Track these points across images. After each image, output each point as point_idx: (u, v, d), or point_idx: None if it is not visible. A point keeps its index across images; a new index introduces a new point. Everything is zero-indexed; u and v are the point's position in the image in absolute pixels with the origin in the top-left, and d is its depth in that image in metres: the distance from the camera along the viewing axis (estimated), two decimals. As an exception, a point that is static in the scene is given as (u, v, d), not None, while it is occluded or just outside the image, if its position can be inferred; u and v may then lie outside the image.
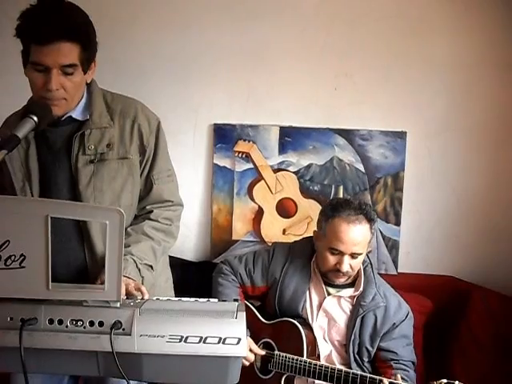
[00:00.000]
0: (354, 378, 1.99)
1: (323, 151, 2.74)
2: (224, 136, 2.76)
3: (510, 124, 2.66)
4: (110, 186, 1.71)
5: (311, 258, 2.26)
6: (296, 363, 2.11)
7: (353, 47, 2.67)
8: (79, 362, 1.31)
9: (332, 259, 2.13)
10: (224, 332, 1.28)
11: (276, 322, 2.25)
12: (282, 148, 2.75)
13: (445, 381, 1.85)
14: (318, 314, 2.22)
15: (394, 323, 2.16)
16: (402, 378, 1.98)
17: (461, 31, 2.63)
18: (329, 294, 2.21)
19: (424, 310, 2.53)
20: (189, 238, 2.83)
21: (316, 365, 2.07)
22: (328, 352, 2.21)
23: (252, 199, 2.79)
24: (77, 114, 1.70)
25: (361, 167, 2.73)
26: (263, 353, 2.21)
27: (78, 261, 1.71)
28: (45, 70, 1.54)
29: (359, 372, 2.01)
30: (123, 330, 1.28)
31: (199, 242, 2.86)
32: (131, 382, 1.31)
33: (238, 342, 1.28)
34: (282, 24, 2.67)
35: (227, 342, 1.28)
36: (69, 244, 1.70)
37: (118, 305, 1.30)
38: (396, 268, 2.77)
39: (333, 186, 2.75)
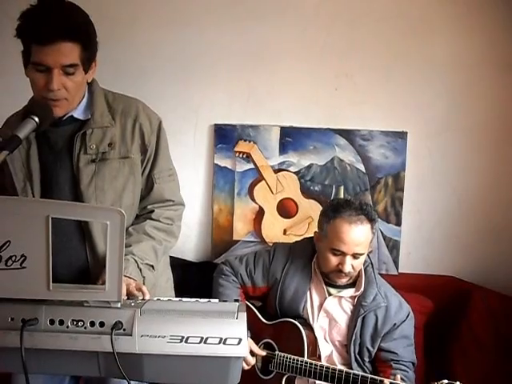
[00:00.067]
0: (354, 379, 1.99)
1: (324, 151, 2.74)
2: (224, 136, 2.76)
3: (510, 124, 2.66)
4: (112, 186, 1.71)
5: (312, 258, 2.26)
6: (297, 364, 2.11)
7: (353, 47, 2.67)
8: (80, 362, 1.31)
9: (334, 260, 2.13)
10: (225, 332, 1.28)
11: (277, 322, 2.25)
12: (283, 148, 2.75)
13: (446, 381, 1.85)
14: (318, 315, 2.22)
15: (395, 323, 2.16)
16: (402, 379, 1.98)
17: (461, 31, 2.63)
18: (330, 294, 2.21)
19: (425, 310, 2.53)
20: (189, 239, 2.83)
21: (317, 365, 2.07)
22: (329, 352, 2.21)
23: (253, 199, 2.79)
24: (78, 113, 1.70)
25: (361, 167, 2.73)
26: (264, 353, 2.21)
27: (80, 261, 1.71)
28: (46, 70, 1.54)
29: (360, 372, 2.01)
30: (124, 330, 1.28)
31: (200, 243, 2.86)
32: (132, 382, 1.30)
33: (238, 343, 1.28)
34: (282, 24, 2.67)
35: (228, 342, 1.27)
36: (70, 244, 1.70)
37: (119, 305, 1.30)
38: (397, 268, 2.77)
39: (333, 187, 2.75)
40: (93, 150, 1.68)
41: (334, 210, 2.14)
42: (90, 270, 1.71)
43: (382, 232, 2.74)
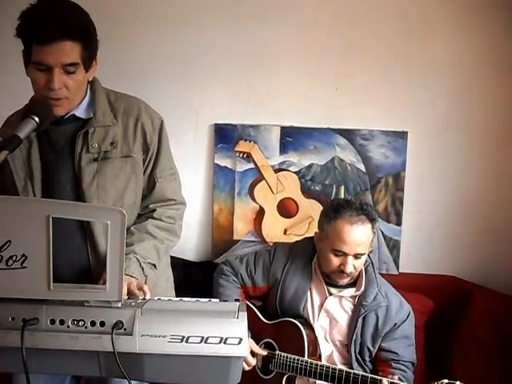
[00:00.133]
0: (355, 378, 1.99)
1: (324, 151, 2.74)
2: (225, 136, 2.76)
3: (510, 124, 2.67)
4: (114, 184, 1.71)
5: (312, 257, 2.26)
6: (297, 363, 2.11)
7: (353, 47, 2.67)
8: (81, 362, 1.30)
9: (336, 261, 2.12)
10: (225, 332, 1.28)
11: (277, 322, 2.25)
12: (283, 148, 2.75)
13: (446, 381, 1.85)
14: (319, 314, 2.22)
15: (396, 323, 2.16)
16: (399, 379, 1.99)
17: (461, 32, 2.63)
18: (330, 293, 2.21)
19: (425, 309, 2.53)
20: (190, 238, 2.83)
21: (317, 365, 2.07)
22: (329, 352, 2.21)
23: (253, 199, 2.79)
24: (80, 112, 1.70)
25: (362, 167, 2.73)
26: (265, 353, 2.21)
27: (82, 261, 1.71)
28: (47, 70, 1.54)
29: (360, 372, 2.01)
30: (124, 330, 1.28)
31: (200, 242, 2.86)
32: (132, 382, 1.30)
33: (239, 342, 1.27)
34: (282, 24, 2.67)
35: (229, 342, 1.27)
36: (72, 244, 1.70)
37: (120, 305, 1.30)
38: (397, 268, 2.77)
39: (334, 186, 2.75)
40: (95, 148, 1.68)
41: (334, 211, 2.13)
42: (91, 270, 1.71)
43: (382, 232, 2.74)
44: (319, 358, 2.16)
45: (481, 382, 2.28)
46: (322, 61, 2.69)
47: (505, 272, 2.69)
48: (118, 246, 1.23)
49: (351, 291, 2.21)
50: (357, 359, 2.17)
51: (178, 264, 2.17)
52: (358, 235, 2.09)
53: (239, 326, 1.29)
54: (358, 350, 2.17)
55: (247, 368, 2.11)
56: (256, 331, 2.23)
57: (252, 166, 2.77)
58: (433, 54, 2.65)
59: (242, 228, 2.81)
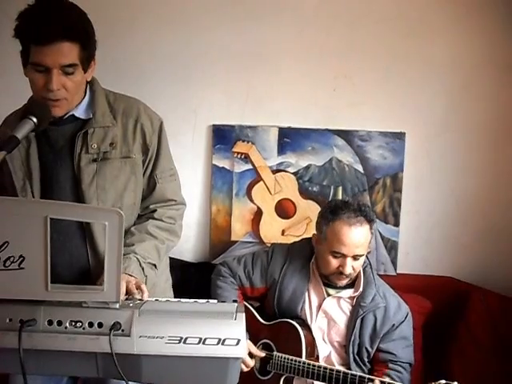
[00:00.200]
0: (352, 379, 1.99)
1: (322, 152, 2.74)
2: (223, 137, 2.76)
3: (509, 125, 2.66)
4: (113, 185, 1.71)
5: (310, 258, 2.26)
6: (295, 364, 2.11)
7: (352, 48, 2.67)
8: (78, 363, 1.30)
9: (334, 262, 2.13)
10: (223, 333, 1.28)
11: (275, 322, 2.25)
12: (281, 149, 2.75)
13: (443, 381, 1.85)
14: (317, 315, 2.22)
15: (394, 324, 2.16)
16: (393, 379, 2.01)
17: (460, 32, 2.63)
18: (328, 294, 2.21)
19: (423, 310, 2.53)
20: (188, 239, 2.82)
21: (315, 366, 2.07)
22: (327, 353, 2.21)
23: (251, 200, 2.79)
24: (80, 112, 1.70)
25: (360, 168, 2.73)
26: (263, 354, 2.21)
27: (81, 261, 1.71)
28: (45, 71, 1.54)
29: (358, 373, 2.01)
30: (122, 331, 1.28)
31: (198, 243, 2.86)
32: (130, 383, 1.30)
33: (237, 343, 1.27)
34: (281, 25, 2.67)
35: (226, 343, 1.27)
36: (71, 244, 1.70)
37: (118, 306, 1.30)
38: (395, 269, 2.77)
39: (332, 187, 2.75)
40: (94, 149, 1.68)
41: (332, 212, 2.13)
42: (91, 271, 1.71)
43: (380, 233, 2.74)
44: (317, 359, 2.16)
45: (478, 383, 2.28)
46: (320, 61, 2.69)
47: (503, 273, 2.69)
48: (116, 246, 1.23)
49: (349, 292, 2.21)
50: (355, 360, 2.17)
51: (175, 265, 2.16)
52: (357, 236, 2.09)
53: (237, 327, 1.29)
54: (356, 351, 2.17)
55: (245, 369, 2.11)
56: (254, 332, 2.23)
57: (250, 166, 2.77)
58: (432, 55, 2.65)
59: (239, 229, 2.81)
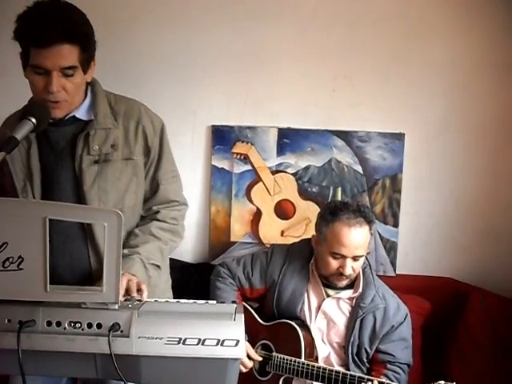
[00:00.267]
0: (351, 380, 1.99)
1: (321, 153, 2.74)
2: (222, 137, 2.76)
3: (508, 125, 2.66)
4: (115, 186, 1.72)
5: (309, 259, 2.26)
6: (294, 365, 2.11)
7: (352, 49, 2.67)
8: (77, 364, 1.30)
9: (334, 263, 2.12)
10: (222, 334, 1.28)
11: (274, 323, 2.25)
12: (281, 149, 2.75)
13: (442, 382, 1.86)
14: (316, 316, 2.22)
15: (393, 325, 2.16)
16: (392, 380, 2.00)
17: (460, 32, 2.63)
18: (328, 295, 2.21)
19: (422, 311, 2.53)
20: (187, 240, 2.81)
21: (314, 366, 2.07)
22: (326, 354, 2.21)
23: (250, 201, 2.79)
24: (81, 113, 1.70)
25: (359, 169, 2.73)
26: (260, 358, 2.21)
27: (82, 262, 1.72)
28: (45, 73, 1.54)
29: (357, 374, 2.02)
30: (121, 331, 1.28)
31: (197, 244, 2.86)
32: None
33: (236, 344, 1.27)
34: (281, 25, 2.67)
35: (226, 343, 1.27)
36: (72, 245, 1.70)
37: (117, 307, 1.30)
38: (394, 269, 2.77)
39: (331, 188, 2.75)
40: (96, 151, 1.68)
41: (332, 213, 2.13)
42: (92, 273, 1.71)
43: (379, 233, 2.74)
44: (316, 360, 2.16)
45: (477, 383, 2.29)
46: (320, 62, 2.69)
47: (502, 274, 2.69)
48: (115, 247, 1.23)
49: (349, 293, 2.21)
50: (354, 361, 2.17)
51: (175, 266, 2.16)
52: (357, 238, 2.09)
53: (236, 328, 1.29)
54: (355, 352, 2.17)
55: (244, 370, 2.11)
56: (253, 333, 2.23)
57: (249, 167, 2.77)
58: (431, 55, 2.65)
59: (239, 230, 2.81)
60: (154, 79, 2.72)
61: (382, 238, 2.75)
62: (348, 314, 2.20)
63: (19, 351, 1.23)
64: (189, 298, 1.45)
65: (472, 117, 2.67)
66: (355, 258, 2.11)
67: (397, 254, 2.76)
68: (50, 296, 1.25)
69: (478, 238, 2.73)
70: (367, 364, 2.19)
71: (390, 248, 2.75)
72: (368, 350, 2.16)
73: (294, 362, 2.11)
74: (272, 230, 2.80)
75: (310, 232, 2.30)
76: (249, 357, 2.16)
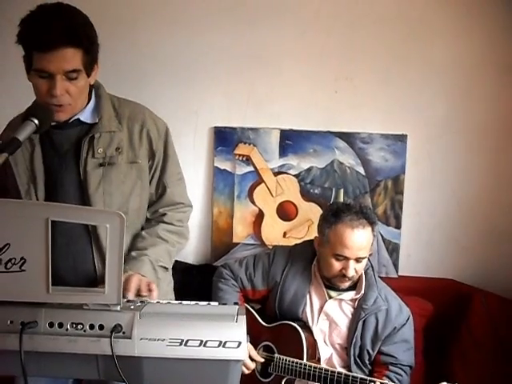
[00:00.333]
0: (353, 381, 1.99)
1: (324, 154, 2.74)
2: (224, 139, 2.76)
3: (510, 126, 2.66)
4: (119, 189, 1.72)
5: (312, 261, 2.26)
6: (296, 366, 2.11)
7: (353, 50, 2.67)
8: (79, 365, 1.30)
9: (337, 265, 2.12)
10: (224, 335, 1.27)
11: (276, 325, 2.25)
12: (283, 151, 2.75)
13: (444, 383, 1.85)
14: (318, 317, 2.22)
15: (396, 327, 2.16)
16: (394, 382, 2.00)
17: (461, 33, 2.63)
18: (330, 297, 2.21)
19: (424, 313, 2.53)
20: (189, 241, 2.76)
21: (316, 368, 2.07)
22: (328, 355, 2.21)
23: (252, 202, 2.79)
24: (85, 116, 1.70)
25: (361, 170, 2.73)
26: (262, 360, 2.21)
27: (85, 265, 1.72)
28: (48, 77, 1.54)
29: (359, 375, 2.02)
30: (123, 333, 1.28)
31: (200, 245, 2.86)
32: (131, 385, 1.30)
33: (238, 346, 1.27)
34: (282, 27, 2.67)
35: (227, 345, 1.27)
36: (75, 247, 1.71)
37: (119, 308, 1.30)
38: (396, 271, 2.76)
39: (333, 189, 2.75)
40: (100, 154, 1.69)
41: (334, 215, 2.13)
42: (97, 275, 1.72)
43: (381, 235, 2.73)
44: (318, 361, 2.16)
45: (480, 385, 2.29)
46: (321, 63, 2.69)
47: (504, 275, 2.68)
48: (117, 248, 1.24)
49: (351, 294, 2.21)
50: (356, 362, 2.17)
51: (177, 267, 2.16)
52: (359, 239, 2.09)
53: (238, 330, 1.29)
54: (357, 353, 2.17)
55: (246, 371, 2.11)
56: (255, 334, 2.23)
57: (251, 168, 2.77)
58: (432, 56, 2.65)
59: (241, 231, 2.81)
60: (155, 80, 2.72)
61: (384, 239, 2.75)
62: (350, 316, 2.20)
63: (21, 352, 1.22)
64: (191, 300, 1.45)
65: (474, 117, 2.67)
66: (358, 260, 2.11)
67: (399, 255, 2.76)
68: (52, 297, 1.25)
69: (480, 239, 2.73)
70: (369, 366, 2.19)
71: (393, 249, 2.75)
72: (370, 351, 2.16)
73: (296, 363, 2.11)
74: (274, 232, 2.80)
75: (312, 233, 2.30)
76: (251, 358, 2.16)
